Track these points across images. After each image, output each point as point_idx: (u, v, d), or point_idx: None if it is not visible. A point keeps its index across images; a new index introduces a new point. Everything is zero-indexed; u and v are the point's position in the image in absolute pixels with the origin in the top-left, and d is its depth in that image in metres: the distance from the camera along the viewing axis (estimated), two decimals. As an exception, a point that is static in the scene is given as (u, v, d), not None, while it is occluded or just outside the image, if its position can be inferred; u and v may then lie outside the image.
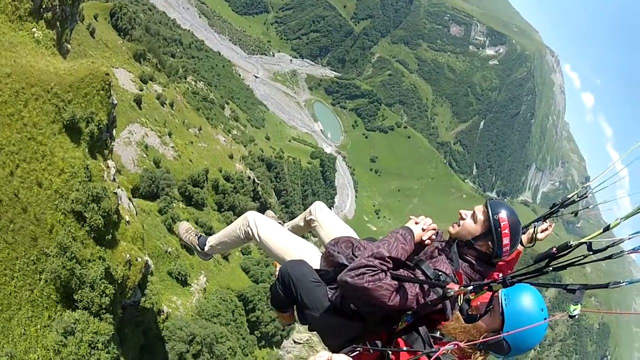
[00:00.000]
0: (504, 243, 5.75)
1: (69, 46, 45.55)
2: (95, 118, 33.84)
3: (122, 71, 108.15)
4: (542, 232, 6.73)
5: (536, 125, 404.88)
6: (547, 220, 6.77)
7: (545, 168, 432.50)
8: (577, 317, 4.25)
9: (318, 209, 7.94)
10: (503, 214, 5.73)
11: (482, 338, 4.94)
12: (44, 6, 36.87)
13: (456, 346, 4.95)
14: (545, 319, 4.82)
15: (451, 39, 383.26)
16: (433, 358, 4.95)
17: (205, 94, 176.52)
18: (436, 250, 6.13)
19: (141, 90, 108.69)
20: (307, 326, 6.91)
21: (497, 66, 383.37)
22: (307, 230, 8.23)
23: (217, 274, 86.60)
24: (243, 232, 7.71)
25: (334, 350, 5.87)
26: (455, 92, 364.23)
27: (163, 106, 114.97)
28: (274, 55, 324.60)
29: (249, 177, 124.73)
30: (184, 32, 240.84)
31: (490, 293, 5.00)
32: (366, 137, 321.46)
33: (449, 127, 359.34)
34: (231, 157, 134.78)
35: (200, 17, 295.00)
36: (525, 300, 4.84)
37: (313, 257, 7.04)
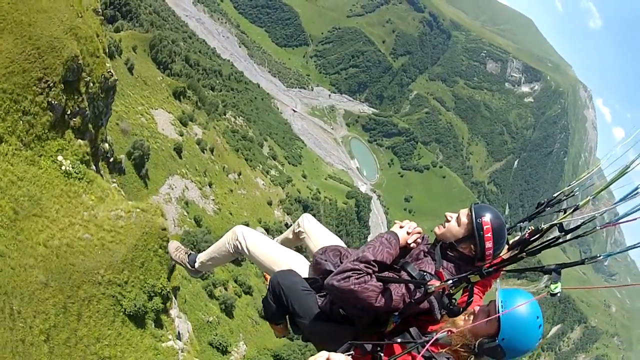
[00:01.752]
0: (486, 246, 5.66)
1: (106, 147, 41.79)
2: (158, 286, 31.26)
3: (161, 112, 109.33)
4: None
5: (569, 162, 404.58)
6: (532, 221, 6.34)
7: (583, 208, 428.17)
8: (558, 294, 4.41)
9: (306, 220, 7.92)
10: (486, 218, 5.69)
11: (478, 342, 5.04)
12: (68, 112, 31.59)
13: (449, 333, 5.19)
14: (540, 326, 4.89)
15: (488, 75, 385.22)
16: (426, 347, 5.09)
17: (244, 131, 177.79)
18: (422, 253, 6.06)
19: (181, 135, 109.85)
20: (301, 337, 6.95)
21: (532, 103, 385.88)
22: (297, 243, 8.14)
23: (255, 334, 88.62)
24: (232, 246, 7.63)
25: None
26: (491, 131, 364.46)
27: (203, 152, 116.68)
28: (312, 89, 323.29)
29: (287, 224, 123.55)
30: (223, 62, 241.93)
31: (487, 300, 5.30)
32: (401, 176, 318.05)
33: (484, 167, 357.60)
34: (270, 203, 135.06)
35: (240, 46, 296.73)
36: (522, 306, 4.86)
37: (302, 267, 7.04)
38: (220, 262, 8.31)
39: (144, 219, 31.68)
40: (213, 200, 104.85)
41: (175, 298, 37.07)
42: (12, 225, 26.26)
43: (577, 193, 6.02)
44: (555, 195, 6.17)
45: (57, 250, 27.52)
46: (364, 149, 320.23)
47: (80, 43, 32.48)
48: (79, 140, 32.77)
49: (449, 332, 5.18)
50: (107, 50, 37.71)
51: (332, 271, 5.93)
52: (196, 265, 8.51)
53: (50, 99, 29.66)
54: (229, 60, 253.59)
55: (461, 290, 5.77)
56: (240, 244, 7.42)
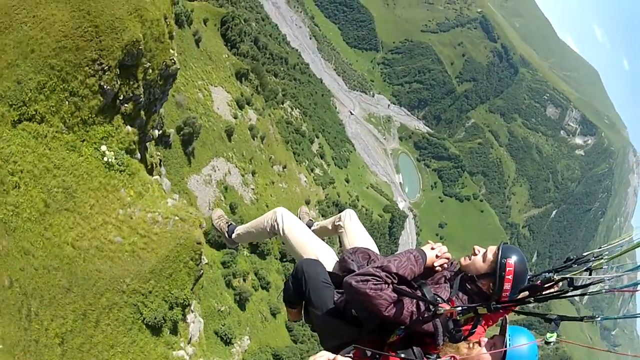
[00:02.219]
0: (504, 287, 5.75)
1: (155, 134, 39.51)
2: (181, 297, 29.71)
3: (220, 90, 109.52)
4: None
5: (603, 224, 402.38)
6: (556, 275, 5.98)
7: (600, 270, 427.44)
8: (552, 344, 4.73)
9: (348, 216, 8.00)
10: (512, 260, 5.76)
11: None
12: (121, 97, 29.39)
13: (452, 359, 5.30)
14: None
15: (546, 119, 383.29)
16: None
17: (298, 124, 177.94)
18: (443, 279, 6.25)
19: (235, 117, 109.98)
20: (310, 326, 7.22)
21: (582, 157, 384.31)
22: (333, 234, 8.32)
23: (262, 330, 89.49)
24: (270, 225, 7.78)
25: (327, 349, 5.81)
26: (537, 175, 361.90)
27: (253, 139, 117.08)
28: (373, 96, 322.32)
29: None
30: (291, 50, 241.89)
31: (496, 335, 5.33)
32: (441, 201, 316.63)
33: (522, 209, 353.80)
34: (307, 202, 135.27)
35: (310, 38, 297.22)
36: (526, 347, 5.05)
37: (329, 260, 7.14)
38: (255, 237, 8.59)
39: (181, 229, 29.95)
40: (253, 189, 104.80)
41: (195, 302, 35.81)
42: (40, 219, 24.64)
43: (605, 257, 5.38)
44: (585, 254, 5.69)
45: (85, 254, 25.96)
46: (411, 165, 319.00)
47: (144, 26, 29.92)
48: (128, 127, 30.67)
49: (452, 358, 5.27)
50: (173, 34, 35.14)
51: (353, 271, 6.23)
52: (233, 236, 8.82)
53: (102, 83, 27.25)
54: (297, 50, 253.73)
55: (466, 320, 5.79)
56: (277, 224, 7.61)
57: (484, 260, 5.94)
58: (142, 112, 32.57)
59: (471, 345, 5.36)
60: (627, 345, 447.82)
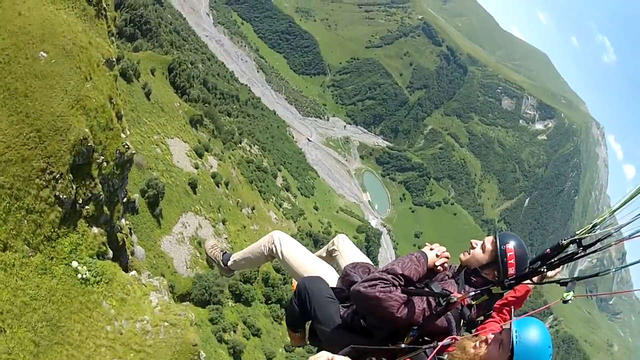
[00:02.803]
0: (509, 272, 5.81)
1: (122, 224, 38.24)
2: None
3: (177, 142, 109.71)
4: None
5: (579, 201, 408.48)
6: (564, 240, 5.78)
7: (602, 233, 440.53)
8: (570, 302, 4.68)
9: (341, 240, 8.03)
10: (510, 245, 5.85)
11: None
12: (80, 201, 27.98)
13: (453, 340, 5.37)
14: (550, 355, 4.87)
15: (502, 112, 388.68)
16: (432, 354, 5.23)
17: (259, 160, 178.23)
18: (446, 277, 6.24)
19: (196, 167, 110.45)
20: (316, 349, 6.84)
21: (545, 141, 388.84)
22: (330, 261, 8.02)
23: None
24: (267, 249, 7.81)
25: None
26: (504, 168, 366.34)
27: (218, 186, 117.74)
28: (328, 119, 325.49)
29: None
30: (241, 86, 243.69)
31: (500, 326, 5.45)
32: (413, 212, 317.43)
33: (495, 204, 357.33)
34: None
35: (258, 71, 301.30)
36: (536, 337, 4.82)
37: (331, 277, 7.18)
38: (253, 263, 8.45)
39: (174, 336, 28.96)
40: (226, 238, 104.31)
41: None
42: (34, 362, 23.33)
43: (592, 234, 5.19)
44: (577, 232, 5.30)
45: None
46: (376, 182, 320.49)
47: (89, 117, 28.33)
48: (94, 229, 29.26)
49: (453, 339, 5.33)
50: (121, 113, 33.95)
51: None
52: (229, 263, 8.63)
53: (57, 193, 25.76)
54: (246, 85, 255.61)
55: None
56: (275, 247, 7.61)
57: (483, 251, 6.05)
58: (105, 208, 31.24)
59: (478, 344, 5.26)
60: (628, 312, 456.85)
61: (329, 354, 4.93)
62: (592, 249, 4.82)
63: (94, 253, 28.67)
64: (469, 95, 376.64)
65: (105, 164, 30.38)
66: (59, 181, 25.93)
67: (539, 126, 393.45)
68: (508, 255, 5.75)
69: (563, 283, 4.92)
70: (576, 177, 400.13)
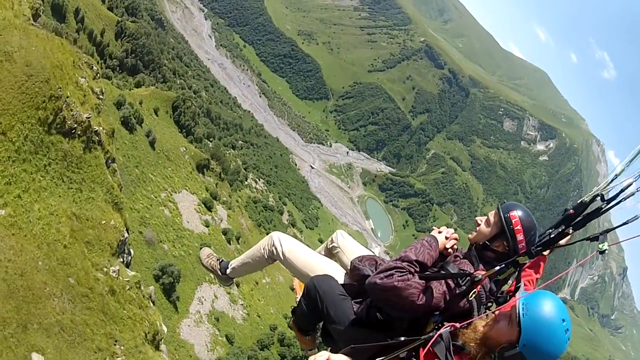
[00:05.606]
0: (518, 239, 5.78)
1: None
2: None
3: (185, 195, 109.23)
4: None
5: None
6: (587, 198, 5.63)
7: (586, 263, 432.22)
8: (606, 251, 4.61)
9: (340, 235, 7.79)
10: (514, 212, 5.84)
11: (498, 350, 4.89)
12: None
13: (452, 327, 5.20)
14: (566, 330, 4.58)
15: (504, 134, 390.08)
16: (430, 343, 5.12)
17: (265, 197, 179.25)
18: (458, 258, 6.11)
19: (207, 225, 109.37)
20: (330, 349, 6.68)
21: (547, 162, 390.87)
22: (331, 259, 7.73)
23: None
24: (267, 251, 7.59)
25: None
26: (505, 191, 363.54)
27: (229, 244, 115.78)
28: (330, 146, 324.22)
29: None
30: (244, 113, 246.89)
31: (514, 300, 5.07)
32: (415, 238, 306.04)
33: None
34: (292, 288, 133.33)
35: (260, 96, 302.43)
36: (545, 309, 4.59)
37: (337, 274, 7.00)
38: (252, 268, 8.22)
39: None
40: (242, 304, 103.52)
41: None
42: None
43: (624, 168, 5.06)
44: (581, 200, 5.32)
45: None
46: (379, 209, 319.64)
47: None
48: None
49: (452, 327, 5.17)
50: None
51: (369, 275, 5.94)
52: (228, 271, 8.46)
53: None
54: (249, 111, 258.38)
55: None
56: (276, 249, 7.38)
57: (488, 225, 5.99)
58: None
59: (489, 322, 5.11)
60: (629, 326, 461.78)
61: (329, 353, 4.80)
62: (617, 200, 4.69)
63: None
64: (471, 118, 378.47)
65: None
66: None
67: (540, 147, 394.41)
68: (513, 222, 5.74)
69: (594, 238, 4.74)
70: (577, 197, 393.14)
